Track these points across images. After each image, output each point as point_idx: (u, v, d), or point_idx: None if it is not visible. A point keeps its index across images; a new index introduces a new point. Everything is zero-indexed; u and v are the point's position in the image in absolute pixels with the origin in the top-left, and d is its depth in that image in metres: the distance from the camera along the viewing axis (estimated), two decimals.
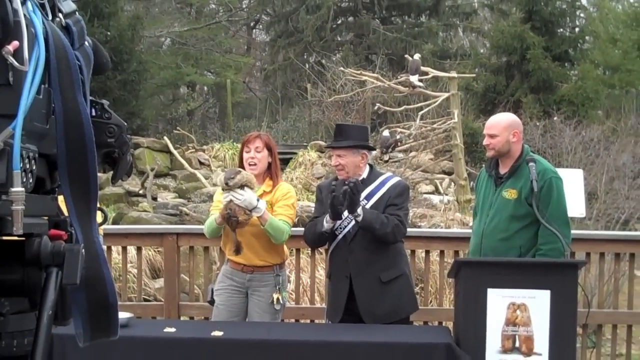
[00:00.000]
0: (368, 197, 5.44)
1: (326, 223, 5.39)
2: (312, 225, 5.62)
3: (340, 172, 5.49)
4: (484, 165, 6.07)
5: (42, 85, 1.36)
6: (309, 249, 6.86)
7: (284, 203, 5.51)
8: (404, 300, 5.51)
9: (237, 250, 5.43)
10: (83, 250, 1.39)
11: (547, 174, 5.41)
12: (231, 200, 5.22)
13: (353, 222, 5.39)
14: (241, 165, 5.60)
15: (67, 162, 1.39)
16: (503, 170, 5.58)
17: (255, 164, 5.50)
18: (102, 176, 1.72)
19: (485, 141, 5.59)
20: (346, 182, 5.23)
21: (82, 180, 1.40)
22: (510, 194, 5.46)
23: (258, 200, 5.26)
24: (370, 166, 5.62)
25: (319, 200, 5.75)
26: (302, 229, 5.86)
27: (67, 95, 1.38)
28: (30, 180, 1.33)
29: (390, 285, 5.42)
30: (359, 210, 5.25)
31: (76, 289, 1.43)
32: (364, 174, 5.51)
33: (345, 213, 5.35)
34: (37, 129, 1.36)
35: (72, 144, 1.38)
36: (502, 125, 5.56)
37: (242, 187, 5.22)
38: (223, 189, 5.31)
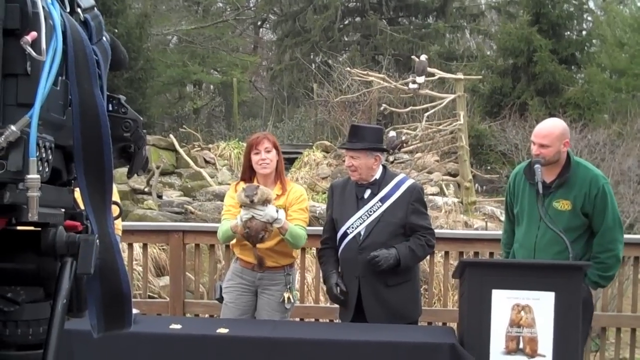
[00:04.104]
0: (383, 200, 5.42)
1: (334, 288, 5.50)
2: (322, 264, 5.72)
3: (353, 173, 5.48)
4: (518, 167, 5.74)
5: (60, 77, 1.38)
6: (314, 248, 6.87)
7: (298, 207, 5.53)
8: (408, 306, 5.52)
9: (260, 265, 5.48)
10: (98, 240, 1.41)
11: (599, 181, 5.26)
12: (252, 217, 5.24)
13: (365, 222, 5.41)
14: (249, 168, 5.62)
15: (83, 154, 1.41)
16: (549, 178, 5.34)
17: (267, 164, 5.52)
18: None
19: (535, 151, 5.31)
20: (374, 265, 5.27)
21: (98, 172, 1.42)
22: (562, 205, 5.28)
23: (277, 211, 5.28)
24: (384, 167, 5.62)
25: (329, 202, 5.75)
26: (308, 228, 5.86)
27: (84, 88, 1.40)
28: (47, 170, 1.35)
29: (395, 289, 5.42)
30: (399, 259, 5.30)
31: (91, 279, 1.45)
32: (377, 175, 5.49)
33: (358, 214, 5.41)
34: (54, 119, 1.38)
35: (88, 136, 1.40)
36: (555, 134, 5.29)
37: (263, 203, 5.25)
38: (243, 206, 5.29)
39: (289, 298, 5.52)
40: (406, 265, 5.31)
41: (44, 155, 1.33)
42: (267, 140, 5.53)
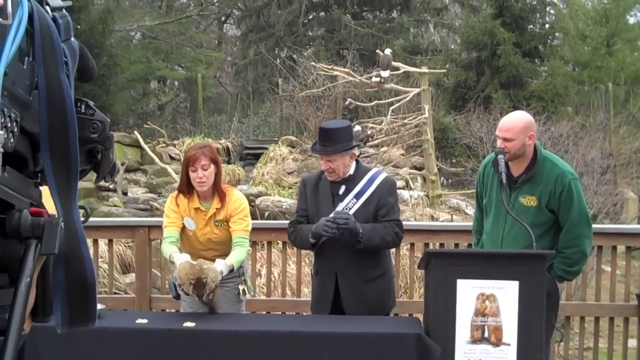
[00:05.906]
0: (357, 196, 5.45)
1: (312, 239, 5.42)
2: (298, 232, 5.60)
3: (331, 174, 5.47)
4: (487, 158, 5.67)
5: (26, 58, 1.39)
6: (280, 242, 6.88)
7: (237, 217, 5.53)
8: (385, 298, 5.59)
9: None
10: (62, 224, 1.41)
11: (565, 178, 5.22)
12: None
13: None
14: (187, 182, 5.57)
15: (49, 137, 1.41)
16: (516, 172, 5.35)
17: (204, 182, 5.48)
18: None
19: (500, 144, 5.29)
20: (338, 223, 5.24)
21: (63, 157, 1.43)
22: (528, 201, 5.28)
23: (222, 272, 5.22)
24: (357, 161, 5.62)
25: (302, 195, 5.74)
26: (274, 222, 5.87)
27: (50, 72, 1.41)
28: (11, 140, 1.35)
29: (373, 283, 5.48)
30: (360, 237, 5.28)
31: (55, 268, 1.45)
32: (351, 170, 5.51)
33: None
34: (19, 95, 1.38)
35: (54, 119, 1.41)
36: (518, 128, 5.27)
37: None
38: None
39: (244, 290, 5.56)
40: (368, 238, 5.31)
41: (8, 124, 1.33)
42: (204, 157, 5.46)
